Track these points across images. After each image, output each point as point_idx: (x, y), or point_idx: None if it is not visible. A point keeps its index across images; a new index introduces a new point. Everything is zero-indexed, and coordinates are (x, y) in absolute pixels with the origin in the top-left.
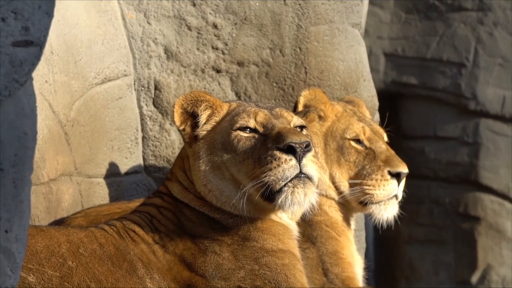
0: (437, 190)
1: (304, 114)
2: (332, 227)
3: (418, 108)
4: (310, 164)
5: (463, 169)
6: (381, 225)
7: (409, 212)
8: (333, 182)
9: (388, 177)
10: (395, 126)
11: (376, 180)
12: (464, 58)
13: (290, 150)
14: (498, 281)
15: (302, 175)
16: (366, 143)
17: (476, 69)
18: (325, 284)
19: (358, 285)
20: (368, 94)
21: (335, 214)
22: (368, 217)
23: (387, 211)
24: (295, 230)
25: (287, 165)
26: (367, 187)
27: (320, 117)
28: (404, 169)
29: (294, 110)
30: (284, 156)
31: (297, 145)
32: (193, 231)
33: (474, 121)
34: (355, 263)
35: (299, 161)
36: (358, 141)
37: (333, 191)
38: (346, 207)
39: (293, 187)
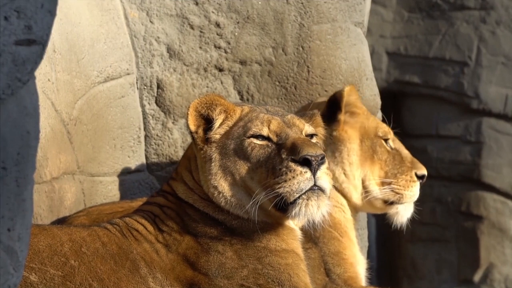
0: (440, 189)
1: (310, 117)
2: (335, 227)
3: (420, 107)
4: (324, 176)
5: (466, 168)
6: (398, 226)
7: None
8: (364, 181)
9: (415, 178)
10: (397, 125)
11: (406, 181)
12: (467, 57)
13: (306, 162)
14: (501, 280)
15: (316, 188)
16: (391, 143)
17: (478, 68)
18: (327, 284)
19: (360, 284)
20: (371, 93)
21: (339, 214)
22: (380, 218)
23: (407, 212)
24: (299, 232)
25: (302, 178)
26: (398, 187)
27: (352, 114)
28: (426, 172)
29: (336, 106)
30: (300, 169)
31: (313, 158)
32: (196, 230)
33: (476, 120)
34: (357, 264)
35: (314, 173)
36: (386, 140)
37: (356, 191)
38: (358, 207)
39: (307, 200)
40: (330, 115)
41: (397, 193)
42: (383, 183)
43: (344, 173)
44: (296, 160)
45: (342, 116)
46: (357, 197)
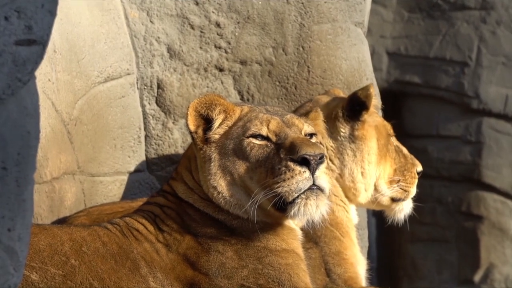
0: (440, 189)
1: (306, 114)
2: (337, 227)
3: (421, 107)
4: (323, 176)
5: (466, 168)
6: (399, 222)
7: (411, 211)
8: (376, 180)
9: (416, 175)
10: (397, 124)
11: (411, 178)
12: (467, 57)
13: (304, 162)
14: (501, 280)
15: (315, 187)
16: (392, 140)
17: (479, 68)
18: (328, 284)
19: (361, 285)
20: None
21: (341, 214)
22: (381, 218)
23: (409, 208)
24: (299, 232)
25: (301, 177)
26: (406, 185)
27: (368, 112)
28: (421, 168)
29: (360, 105)
30: (298, 168)
31: (311, 157)
32: (196, 230)
33: (477, 120)
34: (358, 264)
35: (313, 173)
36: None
37: (367, 190)
38: (361, 205)
39: (306, 199)
40: (350, 114)
41: (405, 190)
42: (391, 181)
43: (362, 172)
44: (294, 159)
45: (366, 116)
46: (365, 196)
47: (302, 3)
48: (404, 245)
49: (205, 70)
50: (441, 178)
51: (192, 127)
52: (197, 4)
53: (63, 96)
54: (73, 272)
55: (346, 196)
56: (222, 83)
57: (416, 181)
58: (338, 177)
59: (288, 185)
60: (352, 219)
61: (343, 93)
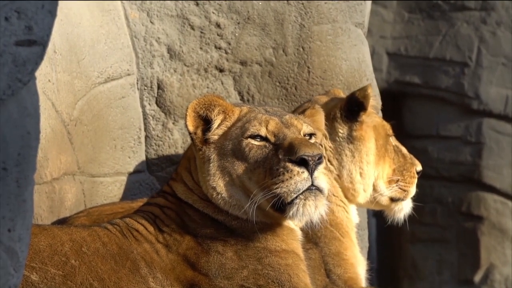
0: (440, 190)
1: (303, 111)
2: (337, 227)
3: (421, 108)
4: (321, 176)
5: (466, 168)
6: (398, 222)
7: (412, 211)
8: (375, 180)
9: (415, 174)
10: (397, 124)
11: (411, 177)
12: (467, 58)
13: (303, 162)
14: (501, 281)
15: (313, 188)
16: (391, 140)
17: (479, 68)
18: (328, 285)
19: (361, 285)
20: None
21: (341, 214)
22: (381, 218)
23: (409, 208)
24: (299, 233)
25: (300, 178)
26: (405, 185)
27: (366, 113)
28: (421, 167)
29: (358, 105)
30: (297, 169)
31: (310, 158)
32: (196, 231)
33: (477, 120)
34: (358, 264)
35: (311, 173)
36: (390, 137)
37: (366, 190)
38: (360, 205)
39: (305, 200)
40: (348, 114)
41: (404, 190)
42: (390, 181)
43: (361, 173)
44: (293, 160)
45: (364, 116)
46: (364, 196)
47: (302, 3)
48: (404, 246)
49: (205, 70)
50: (441, 179)
51: (191, 128)
52: (197, 4)
53: (63, 97)
54: (73, 272)
55: (345, 197)
56: (222, 83)
57: (416, 180)
58: (336, 177)
59: (287, 185)
60: (352, 220)
61: (343, 94)
